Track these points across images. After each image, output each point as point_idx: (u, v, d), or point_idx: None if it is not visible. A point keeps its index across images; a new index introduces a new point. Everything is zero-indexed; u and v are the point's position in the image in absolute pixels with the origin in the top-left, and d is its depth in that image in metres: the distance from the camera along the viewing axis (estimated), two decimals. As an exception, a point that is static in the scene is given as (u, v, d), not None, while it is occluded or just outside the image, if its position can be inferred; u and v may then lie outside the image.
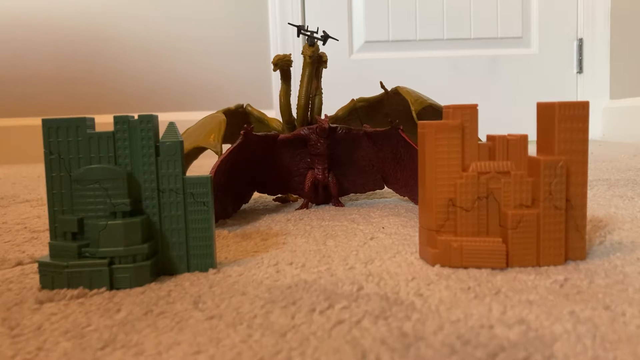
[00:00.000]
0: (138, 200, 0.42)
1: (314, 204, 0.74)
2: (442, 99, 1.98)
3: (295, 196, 0.80)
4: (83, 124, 0.41)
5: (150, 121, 0.42)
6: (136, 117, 0.42)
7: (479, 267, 0.41)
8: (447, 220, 0.43)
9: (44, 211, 0.79)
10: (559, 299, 0.34)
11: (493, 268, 0.41)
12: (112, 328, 0.32)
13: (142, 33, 1.98)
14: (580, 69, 2.02)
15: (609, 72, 1.96)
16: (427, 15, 2.01)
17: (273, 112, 1.99)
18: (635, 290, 0.35)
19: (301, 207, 0.72)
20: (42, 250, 0.53)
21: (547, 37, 2.02)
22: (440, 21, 2.01)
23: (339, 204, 0.73)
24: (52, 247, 0.41)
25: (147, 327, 0.32)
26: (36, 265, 0.48)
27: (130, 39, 1.98)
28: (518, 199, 0.42)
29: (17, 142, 1.97)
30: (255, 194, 0.89)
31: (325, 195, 0.74)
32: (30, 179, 1.31)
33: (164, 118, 1.99)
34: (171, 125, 0.43)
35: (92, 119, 0.42)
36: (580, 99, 2.02)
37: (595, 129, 2.00)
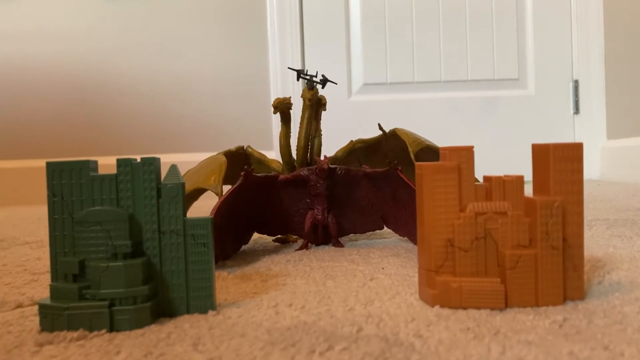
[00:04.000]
0: (139, 242, 0.42)
1: (313, 245, 0.75)
2: (439, 140, 2.00)
3: (294, 237, 0.80)
4: (86, 167, 0.42)
5: (152, 164, 0.42)
6: (139, 159, 0.43)
7: (478, 308, 0.41)
8: (445, 260, 0.43)
9: (44, 253, 0.79)
10: (558, 339, 0.34)
11: (492, 308, 0.41)
12: (112, 370, 0.32)
13: (143, 76, 2.01)
14: (576, 110, 2.05)
15: (605, 113, 1.99)
16: (425, 57, 2.05)
17: (273, 153, 2.01)
18: (634, 331, 0.35)
19: (301, 248, 0.72)
20: (42, 293, 0.53)
21: (543, 79, 2.06)
22: (438, 63, 2.05)
23: (338, 244, 0.73)
24: (53, 288, 0.41)
25: (147, 369, 0.32)
26: (36, 307, 0.48)
27: (133, 83, 2.01)
28: (515, 239, 0.42)
29: (18, 184, 1.98)
30: (255, 235, 0.89)
31: (324, 235, 0.74)
32: (30, 220, 1.31)
33: (165, 159, 2.01)
34: (173, 168, 0.44)
35: (95, 162, 0.43)
36: (578, 139, 2.04)
37: (594, 168, 2.01)
